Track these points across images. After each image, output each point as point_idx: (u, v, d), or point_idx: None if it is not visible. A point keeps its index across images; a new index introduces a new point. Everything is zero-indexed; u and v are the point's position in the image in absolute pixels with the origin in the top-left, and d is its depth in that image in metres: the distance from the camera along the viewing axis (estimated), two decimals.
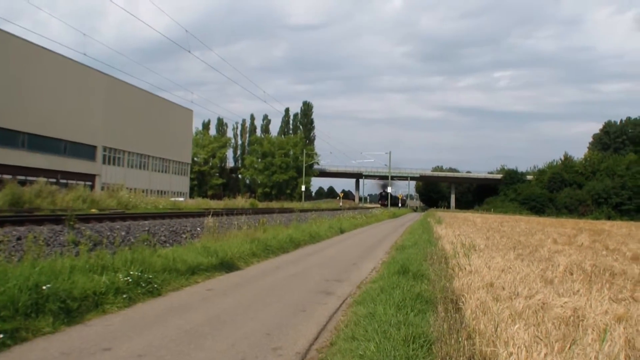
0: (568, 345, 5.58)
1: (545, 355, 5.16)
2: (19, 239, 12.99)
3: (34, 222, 16.83)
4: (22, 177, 45.22)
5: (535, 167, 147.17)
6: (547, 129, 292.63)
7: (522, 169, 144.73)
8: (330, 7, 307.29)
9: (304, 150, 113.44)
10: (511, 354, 5.33)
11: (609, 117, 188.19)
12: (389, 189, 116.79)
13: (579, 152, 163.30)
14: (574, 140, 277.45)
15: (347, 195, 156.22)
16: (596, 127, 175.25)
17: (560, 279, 10.46)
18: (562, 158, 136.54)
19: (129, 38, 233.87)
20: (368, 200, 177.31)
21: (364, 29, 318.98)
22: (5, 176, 44.55)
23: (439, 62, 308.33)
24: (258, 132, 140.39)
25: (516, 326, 6.17)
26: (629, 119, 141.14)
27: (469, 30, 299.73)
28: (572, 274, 11.27)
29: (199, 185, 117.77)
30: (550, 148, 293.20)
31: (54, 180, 49.08)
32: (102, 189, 53.22)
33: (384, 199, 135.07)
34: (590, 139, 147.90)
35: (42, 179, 35.40)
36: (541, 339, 5.74)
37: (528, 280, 9.92)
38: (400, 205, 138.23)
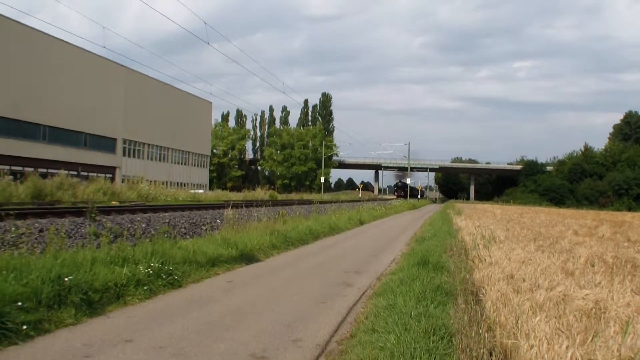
0: (590, 338, 5.54)
1: (567, 347, 5.12)
2: (41, 231, 13.09)
3: (55, 215, 16.93)
4: (44, 170, 45.53)
5: (555, 158, 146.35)
6: (566, 119, 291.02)
7: (541, 159, 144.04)
8: None
9: (323, 142, 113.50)
10: (532, 346, 5.31)
11: (630, 107, 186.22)
12: (408, 180, 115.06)
13: (600, 143, 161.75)
14: (595, 130, 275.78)
15: (367, 186, 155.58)
16: (617, 118, 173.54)
17: (581, 270, 10.38)
18: (583, 149, 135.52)
19: (149, 30, 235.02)
20: (387, 192, 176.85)
21: (382, 19, 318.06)
22: (27, 169, 44.92)
23: (457, 52, 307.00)
24: (277, 123, 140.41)
25: (537, 318, 6.13)
26: None
27: (487, 21, 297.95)
28: (593, 266, 11.19)
29: (218, 177, 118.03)
30: (570, 139, 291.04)
31: (75, 172, 49.34)
32: (123, 181, 53.52)
33: (401, 190, 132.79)
34: (611, 130, 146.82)
35: (63, 172, 35.61)
36: (563, 331, 5.70)
37: (549, 272, 9.86)
38: (419, 196, 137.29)
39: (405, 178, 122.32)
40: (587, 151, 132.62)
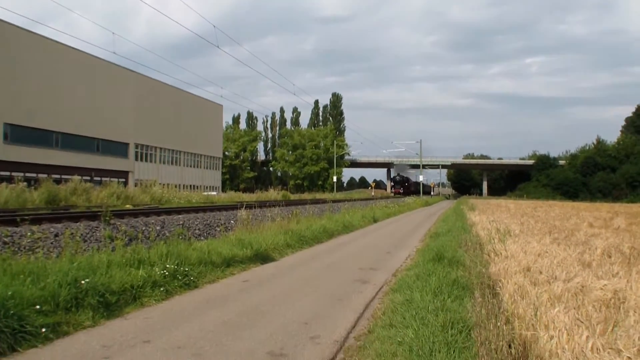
0: (610, 328, 5.51)
1: (587, 337, 5.08)
2: (56, 235, 13.15)
3: (70, 219, 16.98)
4: (57, 176, 45.75)
5: (567, 152, 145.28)
6: (579, 113, 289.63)
7: (554, 154, 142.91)
8: None
9: (335, 142, 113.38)
10: (552, 337, 5.27)
11: None
12: (421, 177, 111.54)
13: (612, 136, 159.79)
14: (607, 124, 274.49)
15: (379, 185, 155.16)
16: (629, 111, 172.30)
17: (598, 262, 10.33)
18: (595, 142, 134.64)
19: (160, 35, 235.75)
20: None
21: (393, 19, 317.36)
22: (41, 175, 45.21)
23: (469, 50, 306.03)
24: (288, 124, 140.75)
25: (556, 309, 6.10)
26: None
27: (499, 18, 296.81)
28: (610, 257, 11.14)
29: (231, 179, 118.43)
30: (582, 133, 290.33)
31: (88, 177, 49.58)
32: (136, 185, 53.78)
33: (399, 185, 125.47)
34: (623, 123, 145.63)
35: (77, 177, 35.73)
36: (582, 322, 5.66)
37: (565, 263, 9.82)
38: (431, 193, 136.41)
39: (405, 171, 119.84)
40: (600, 144, 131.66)
